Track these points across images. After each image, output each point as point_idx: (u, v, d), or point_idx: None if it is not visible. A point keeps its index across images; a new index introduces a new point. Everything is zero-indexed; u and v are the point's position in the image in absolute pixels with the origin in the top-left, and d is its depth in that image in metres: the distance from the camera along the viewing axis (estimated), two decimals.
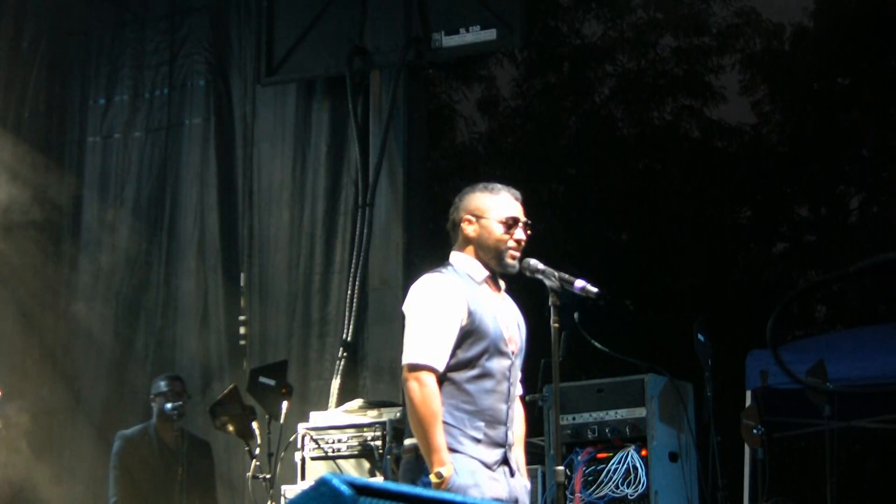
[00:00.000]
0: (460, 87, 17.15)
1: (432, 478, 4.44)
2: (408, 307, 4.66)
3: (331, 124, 8.51)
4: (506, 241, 4.66)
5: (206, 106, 8.93)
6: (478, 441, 4.55)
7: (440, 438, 4.47)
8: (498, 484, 4.58)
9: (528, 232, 4.72)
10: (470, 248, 4.71)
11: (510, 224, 4.67)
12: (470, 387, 4.56)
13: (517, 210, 4.71)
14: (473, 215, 4.71)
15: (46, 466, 8.48)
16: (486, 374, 4.58)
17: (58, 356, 8.86)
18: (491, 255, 4.68)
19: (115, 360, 8.80)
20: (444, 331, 4.54)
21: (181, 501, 7.14)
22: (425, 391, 4.48)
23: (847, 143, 16.13)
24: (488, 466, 4.57)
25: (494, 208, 4.69)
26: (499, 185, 4.76)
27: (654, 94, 16.95)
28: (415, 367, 4.52)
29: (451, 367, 4.57)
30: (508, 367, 4.66)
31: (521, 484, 4.69)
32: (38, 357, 8.81)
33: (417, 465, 4.56)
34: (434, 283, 4.64)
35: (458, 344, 4.57)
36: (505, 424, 4.63)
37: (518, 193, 4.76)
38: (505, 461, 4.63)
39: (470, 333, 4.57)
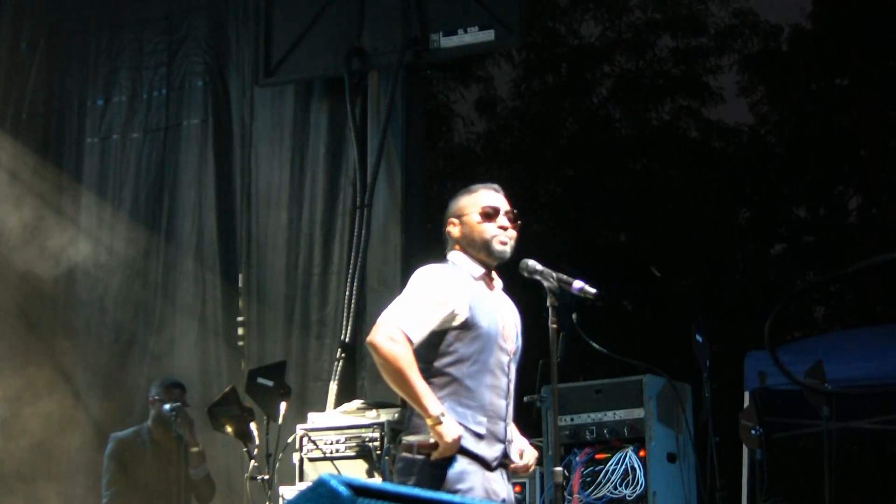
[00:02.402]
0: (458, 87, 17.17)
1: (429, 422, 4.45)
2: (409, 283, 4.69)
3: (329, 125, 8.50)
4: (488, 230, 4.70)
5: (205, 107, 8.92)
6: (480, 437, 4.57)
7: (425, 386, 4.49)
8: (496, 484, 4.61)
9: (518, 222, 4.75)
10: (460, 248, 4.75)
11: (490, 213, 4.72)
12: (470, 382, 4.58)
13: (496, 200, 4.77)
14: (456, 217, 4.78)
15: (46, 467, 8.47)
16: (485, 370, 4.61)
17: (57, 357, 8.85)
18: (479, 248, 4.71)
19: (114, 360, 8.79)
20: (431, 311, 4.56)
21: (174, 503, 7.14)
22: (396, 347, 4.48)
23: (845, 144, 16.14)
24: (488, 465, 4.58)
25: (472, 204, 4.76)
26: (477, 184, 4.85)
27: (653, 95, 16.97)
28: (391, 325, 4.52)
29: (452, 362, 4.59)
30: (507, 363, 4.70)
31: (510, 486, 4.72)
32: (37, 358, 8.79)
33: (416, 463, 4.55)
34: (438, 270, 4.70)
35: (458, 338, 4.59)
36: (504, 420, 4.66)
37: (497, 186, 4.83)
38: (503, 461, 4.64)
39: (470, 328, 4.60)
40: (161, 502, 7.33)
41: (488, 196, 4.76)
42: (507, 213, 4.74)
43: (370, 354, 7.82)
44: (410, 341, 4.51)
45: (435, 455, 4.48)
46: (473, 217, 4.72)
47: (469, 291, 4.62)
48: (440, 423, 4.44)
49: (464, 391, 4.56)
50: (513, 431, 4.79)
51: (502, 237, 4.70)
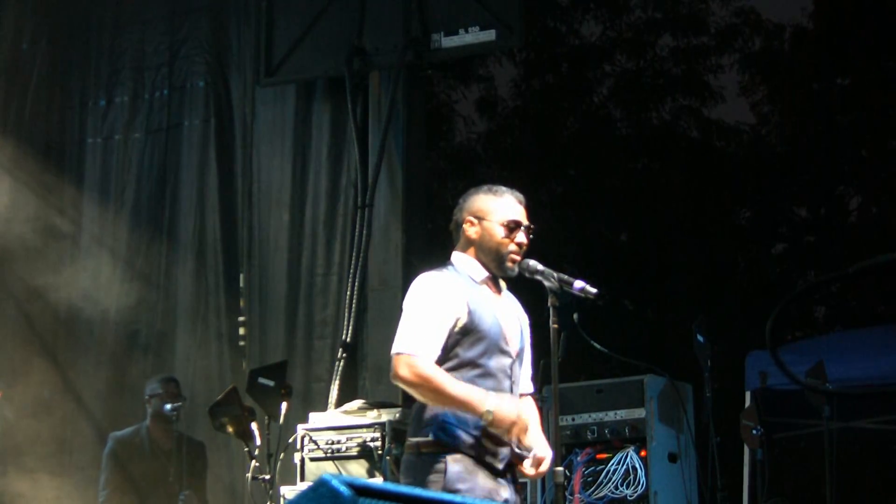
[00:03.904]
0: (459, 86, 17.17)
1: (486, 417, 4.45)
2: (406, 301, 4.69)
3: (330, 125, 8.51)
4: (506, 245, 4.66)
5: (206, 107, 8.93)
6: (480, 441, 4.55)
7: (463, 388, 4.47)
8: (499, 485, 4.59)
9: (531, 236, 4.72)
10: (471, 250, 4.72)
11: (511, 227, 4.67)
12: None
13: (520, 213, 4.70)
14: (475, 217, 4.71)
15: (46, 467, 8.48)
16: (487, 374, 4.59)
17: (58, 357, 8.86)
18: (491, 258, 4.69)
19: (116, 360, 8.80)
20: (436, 325, 4.54)
21: (173, 502, 7.14)
22: (418, 370, 4.49)
23: (846, 144, 16.13)
24: (490, 467, 4.57)
25: (496, 211, 4.69)
26: (503, 188, 4.76)
27: (653, 94, 16.96)
28: (401, 355, 4.53)
29: (453, 367, 4.58)
30: (509, 365, 4.67)
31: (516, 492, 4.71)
32: (39, 358, 8.80)
33: (420, 463, 4.56)
34: (432, 280, 4.66)
35: (458, 343, 4.58)
36: None
37: (522, 197, 4.75)
38: (508, 463, 4.64)
39: (470, 332, 4.58)
40: (160, 501, 7.34)
41: (513, 207, 4.70)
42: (525, 228, 4.70)
43: (371, 354, 7.92)
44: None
45: (513, 437, 4.49)
46: (494, 226, 4.66)
47: (468, 296, 4.60)
48: (492, 416, 4.45)
49: None
50: (532, 434, 4.71)
51: (515, 255, 4.67)
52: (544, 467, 4.67)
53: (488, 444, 4.56)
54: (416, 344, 4.53)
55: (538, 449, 4.65)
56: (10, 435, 8.38)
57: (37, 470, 8.44)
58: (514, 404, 4.52)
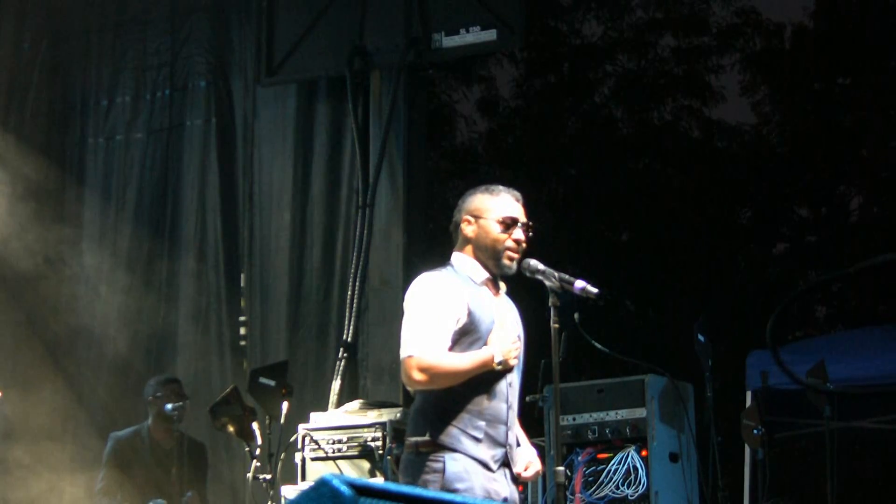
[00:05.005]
0: (460, 87, 17.17)
1: (497, 366, 4.53)
2: (406, 302, 4.68)
3: (331, 125, 8.51)
4: (503, 241, 4.67)
5: (207, 107, 8.94)
6: (478, 441, 4.56)
7: (467, 357, 4.54)
8: (498, 484, 4.59)
9: (529, 234, 4.72)
10: (469, 249, 4.72)
11: (508, 224, 4.67)
12: (469, 387, 4.57)
13: (517, 211, 4.71)
14: (472, 216, 4.72)
15: (47, 466, 8.48)
16: (485, 374, 4.59)
17: (59, 357, 8.85)
18: (488, 255, 4.69)
19: (117, 360, 8.80)
20: (441, 325, 4.55)
21: (174, 502, 7.14)
22: (423, 364, 4.51)
23: (847, 144, 16.13)
24: (488, 467, 4.57)
25: (493, 209, 4.70)
26: (500, 187, 4.77)
27: (654, 94, 16.96)
28: (410, 358, 4.54)
29: None
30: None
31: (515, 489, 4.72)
32: (40, 358, 8.80)
33: (418, 462, 4.57)
34: (433, 280, 4.67)
35: (457, 342, 4.58)
36: (505, 424, 4.63)
37: (519, 195, 4.76)
38: (506, 463, 4.64)
39: (469, 333, 4.59)
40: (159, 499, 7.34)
41: (510, 205, 4.71)
42: (523, 225, 4.70)
43: (371, 354, 7.92)
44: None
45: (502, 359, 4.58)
46: (491, 224, 4.67)
47: (467, 296, 4.60)
48: (501, 358, 4.54)
49: (462, 396, 4.56)
50: (521, 437, 4.77)
51: (512, 252, 4.67)
52: (533, 469, 4.73)
53: (483, 447, 4.56)
54: (422, 344, 4.53)
55: (524, 453, 4.71)
56: (10, 434, 8.38)
57: (38, 468, 8.44)
58: (502, 337, 4.58)
